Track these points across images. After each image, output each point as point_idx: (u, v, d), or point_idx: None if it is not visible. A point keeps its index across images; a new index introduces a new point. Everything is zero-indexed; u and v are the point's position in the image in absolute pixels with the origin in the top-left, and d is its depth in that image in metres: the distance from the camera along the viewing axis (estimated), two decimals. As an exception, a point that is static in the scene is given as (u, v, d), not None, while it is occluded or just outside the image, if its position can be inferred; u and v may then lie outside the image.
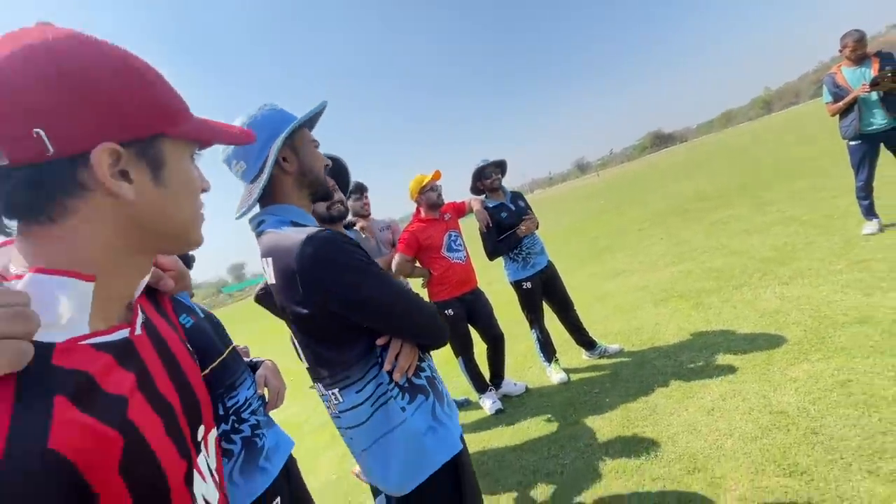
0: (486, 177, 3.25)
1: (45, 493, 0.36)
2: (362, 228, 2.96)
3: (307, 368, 1.10)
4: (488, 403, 3.20)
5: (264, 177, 1.00)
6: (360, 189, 2.95)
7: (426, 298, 2.82)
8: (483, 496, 1.31)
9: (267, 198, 1.07)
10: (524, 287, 3.25)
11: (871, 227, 3.98)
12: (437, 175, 3.10)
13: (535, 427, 2.80)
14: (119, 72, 0.47)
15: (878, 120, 3.88)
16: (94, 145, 0.45)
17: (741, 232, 5.58)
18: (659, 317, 3.80)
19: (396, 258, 2.95)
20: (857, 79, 3.93)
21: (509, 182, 3.40)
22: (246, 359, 1.42)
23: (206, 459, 0.63)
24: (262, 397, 1.29)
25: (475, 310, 3.15)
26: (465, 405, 3.48)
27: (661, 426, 2.33)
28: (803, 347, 2.56)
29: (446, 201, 3.20)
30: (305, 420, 4.42)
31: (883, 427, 1.82)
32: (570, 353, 3.58)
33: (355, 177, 2.27)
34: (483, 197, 3.33)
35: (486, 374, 3.34)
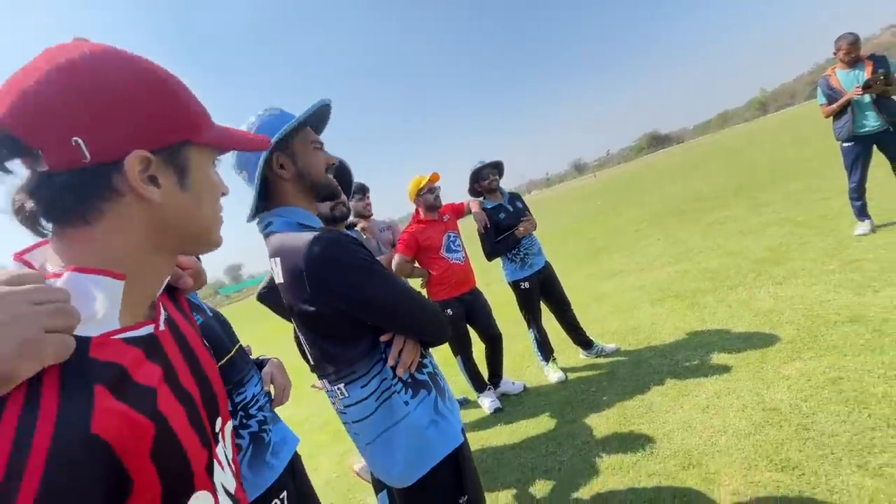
0: (484, 178, 3.28)
1: (89, 474, 0.39)
2: (363, 229, 2.99)
3: (313, 365, 1.13)
4: (487, 402, 3.24)
5: (256, 185, 1.03)
6: (362, 190, 2.98)
7: (426, 298, 2.85)
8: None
9: (271, 202, 1.10)
10: (522, 287, 3.29)
11: (863, 227, 4.04)
12: (434, 177, 3.14)
13: (533, 425, 2.84)
14: (150, 84, 0.51)
15: (871, 122, 3.94)
16: (127, 153, 0.48)
17: (737, 233, 5.64)
18: (655, 316, 3.85)
19: (396, 259, 2.99)
20: (850, 81, 3.99)
21: (507, 183, 3.44)
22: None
23: (224, 449, 0.66)
24: (268, 394, 1.32)
25: (474, 310, 3.19)
26: (463, 404, 3.51)
27: (657, 423, 2.37)
28: (796, 346, 2.60)
29: (444, 202, 3.24)
30: (306, 419, 4.45)
31: (872, 423, 1.86)
32: (568, 353, 3.62)
33: (355, 177, 2.30)
34: (481, 198, 3.36)
35: (485, 373, 3.38)
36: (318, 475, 3.16)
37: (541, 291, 3.35)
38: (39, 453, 0.36)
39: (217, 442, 0.64)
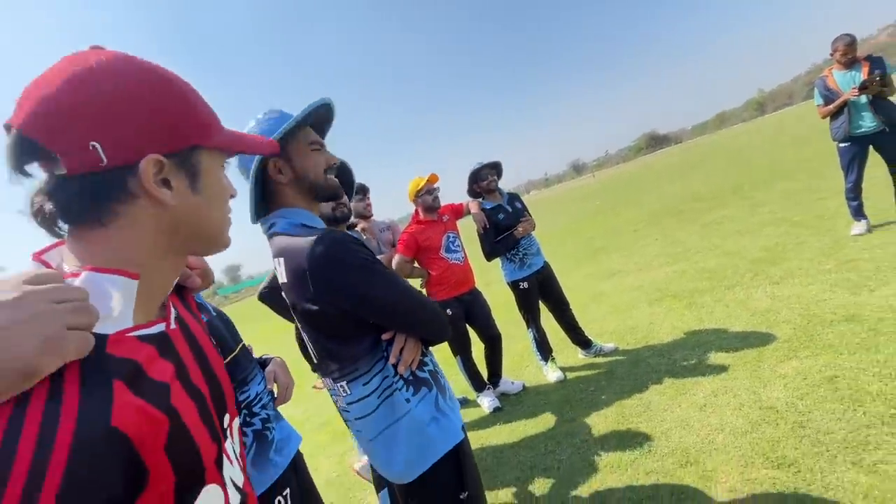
0: (482, 179, 3.30)
1: (109, 465, 0.41)
2: (363, 230, 3.01)
3: (316, 363, 1.14)
4: (486, 402, 3.25)
5: (251, 189, 1.05)
6: (363, 190, 3.00)
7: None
8: (483, 488, 1.36)
9: (273, 204, 1.12)
10: (521, 287, 3.31)
11: (859, 227, 4.07)
12: (432, 178, 3.16)
13: (532, 424, 2.86)
14: (164, 90, 0.52)
15: (867, 122, 3.97)
16: (142, 157, 0.50)
17: (734, 232, 5.67)
18: (653, 316, 3.87)
19: (396, 259, 3.01)
20: (847, 82, 4.02)
21: (506, 183, 3.46)
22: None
23: (232, 445, 0.68)
24: (271, 392, 1.33)
25: (473, 310, 3.21)
26: (463, 404, 3.53)
27: (655, 422, 2.39)
28: (793, 345, 2.63)
29: (445, 200, 3.26)
30: (306, 419, 4.47)
31: (867, 420, 1.88)
32: (567, 352, 3.64)
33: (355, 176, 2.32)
34: (480, 199, 3.38)
35: (484, 373, 3.40)
36: (319, 475, 3.17)
37: (540, 291, 3.37)
38: (63, 443, 0.38)
39: (226, 437, 0.66)
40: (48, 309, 0.41)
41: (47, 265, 0.51)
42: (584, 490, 2.10)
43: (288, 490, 1.23)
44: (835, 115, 4.13)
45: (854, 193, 4.16)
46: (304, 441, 1.42)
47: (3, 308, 0.39)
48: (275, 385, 1.36)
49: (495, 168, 3.36)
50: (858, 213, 4.15)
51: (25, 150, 0.47)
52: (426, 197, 3.12)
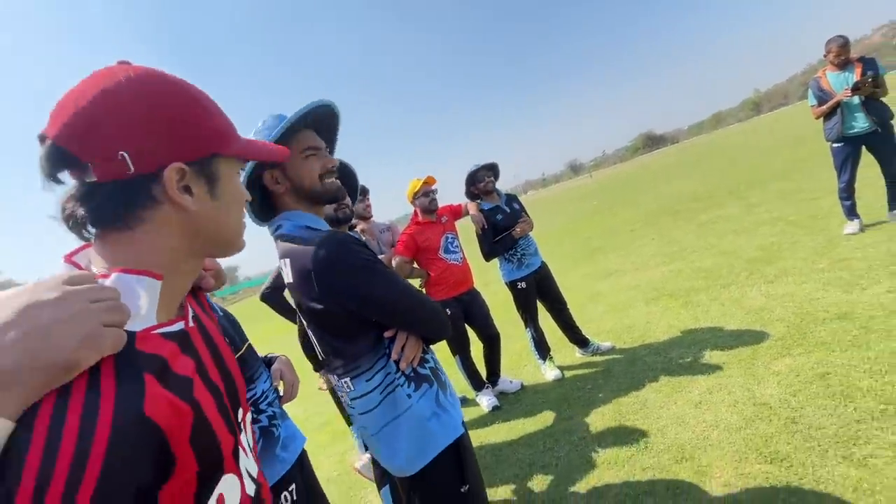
0: (479, 180, 3.33)
1: (142, 453, 0.44)
2: (363, 231, 3.04)
3: (322, 359, 1.18)
4: (485, 401, 3.29)
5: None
6: (363, 191, 3.03)
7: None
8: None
9: (277, 211, 1.15)
10: (519, 287, 3.34)
11: (852, 227, 4.13)
12: (429, 180, 3.20)
13: (530, 422, 2.89)
14: (186, 102, 0.56)
15: (860, 123, 4.03)
16: (166, 165, 0.54)
17: (730, 232, 5.73)
18: (650, 315, 3.92)
19: (395, 260, 3.04)
20: (840, 83, 4.08)
21: (503, 184, 3.50)
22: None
23: (246, 437, 0.71)
24: (276, 390, 1.37)
25: (472, 310, 3.24)
26: (462, 403, 3.55)
27: (651, 419, 2.43)
28: (786, 343, 2.68)
29: (443, 199, 3.30)
30: (307, 419, 4.49)
31: (857, 416, 1.93)
32: (564, 351, 3.68)
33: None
34: (478, 200, 3.42)
35: (483, 372, 3.44)
36: (320, 473, 3.13)
37: (537, 291, 3.40)
38: (104, 429, 0.41)
39: (240, 430, 0.69)
40: (86, 308, 0.45)
41: (78, 266, 0.55)
42: (581, 486, 2.14)
43: (294, 486, 1.26)
44: (828, 115, 4.19)
45: (847, 193, 4.21)
46: (306, 440, 1.45)
47: (46, 307, 0.43)
48: (281, 383, 1.40)
49: (492, 170, 3.40)
50: (851, 212, 4.21)
51: (58, 160, 0.51)
52: (423, 199, 3.16)
